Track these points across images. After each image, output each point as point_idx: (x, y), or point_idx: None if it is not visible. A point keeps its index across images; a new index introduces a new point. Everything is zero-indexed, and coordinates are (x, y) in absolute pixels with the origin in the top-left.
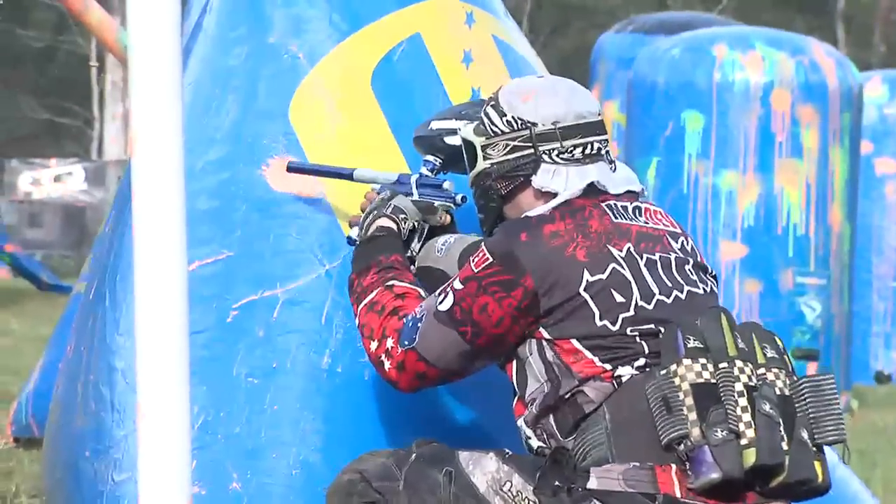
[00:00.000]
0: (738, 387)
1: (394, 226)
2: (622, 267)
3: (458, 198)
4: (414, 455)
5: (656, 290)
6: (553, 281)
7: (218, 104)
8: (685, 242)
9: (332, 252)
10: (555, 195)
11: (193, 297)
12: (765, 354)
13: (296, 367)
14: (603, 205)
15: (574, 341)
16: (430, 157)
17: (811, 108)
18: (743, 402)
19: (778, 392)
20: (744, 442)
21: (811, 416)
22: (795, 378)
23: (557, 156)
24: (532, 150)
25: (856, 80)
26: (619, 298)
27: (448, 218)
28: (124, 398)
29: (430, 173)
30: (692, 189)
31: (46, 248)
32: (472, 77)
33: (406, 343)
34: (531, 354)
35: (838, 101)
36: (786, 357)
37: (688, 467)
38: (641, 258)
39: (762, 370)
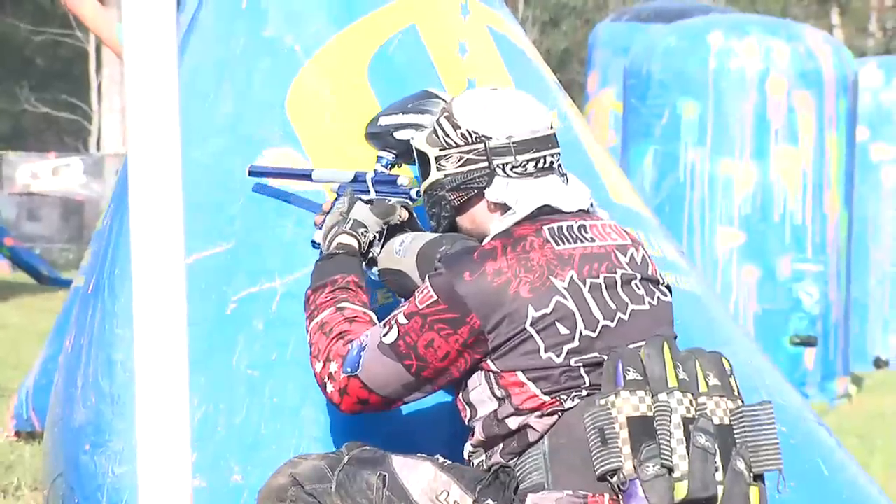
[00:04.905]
0: (675, 419)
1: (354, 242)
2: (565, 298)
3: (413, 192)
4: (346, 458)
5: (600, 317)
6: (499, 319)
7: (214, 97)
8: (635, 254)
9: None
10: (508, 207)
11: (191, 289)
12: (707, 382)
13: (295, 358)
14: (545, 229)
15: (519, 374)
16: (383, 154)
17: (807, 94)
18: (679, 434)
19: (717, 422)
20: (676, 475)
21: (750, 444)
22: (740, 403)
23: (511, 169)
24: (486, 164)
25: (851, 66)
26: (563, 331)
27: (406, 213)
28: (124, 390)
29: (385, 169)
30: (689, 177)
31: (45, 241)
32: (467, 68)
33: (349, 370)
34: (479, 384)
35: (834, 87)
36: (731, 381)
37: (620, 498)
38: (585, 284)
39: (703, 399)
